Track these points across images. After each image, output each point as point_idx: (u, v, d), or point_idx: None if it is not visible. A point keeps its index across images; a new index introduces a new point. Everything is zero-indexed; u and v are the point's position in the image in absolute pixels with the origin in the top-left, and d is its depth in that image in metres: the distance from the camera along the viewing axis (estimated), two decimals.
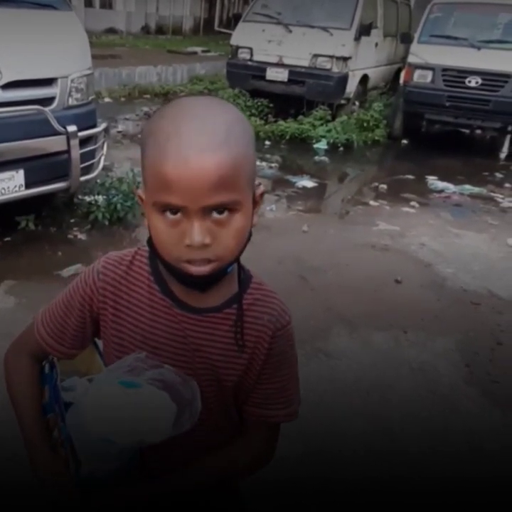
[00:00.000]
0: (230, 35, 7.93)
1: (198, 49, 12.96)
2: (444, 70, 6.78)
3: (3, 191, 3.08)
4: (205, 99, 0.74)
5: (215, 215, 0.70)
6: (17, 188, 3.14)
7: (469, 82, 6.65)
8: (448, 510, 1.85)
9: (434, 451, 2.08)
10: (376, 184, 5.53)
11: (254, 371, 0.84)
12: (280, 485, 1.85)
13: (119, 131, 6.62)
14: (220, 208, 0.70)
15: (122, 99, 8.57)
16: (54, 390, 0.87)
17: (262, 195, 0.78)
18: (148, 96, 8.85)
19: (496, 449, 2.12)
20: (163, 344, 0.81)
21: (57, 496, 0.81)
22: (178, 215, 0.70)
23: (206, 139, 0.67)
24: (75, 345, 0.87)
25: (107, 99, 8.21)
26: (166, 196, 0.69)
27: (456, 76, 6.73)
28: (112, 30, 15.08)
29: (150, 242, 0.78)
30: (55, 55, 3.23)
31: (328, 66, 7.05)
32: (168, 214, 0.71)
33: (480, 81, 6.61)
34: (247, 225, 0.75)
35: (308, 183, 5.33)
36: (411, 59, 7.07)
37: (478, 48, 6.72)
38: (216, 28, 11.41)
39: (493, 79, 6.58)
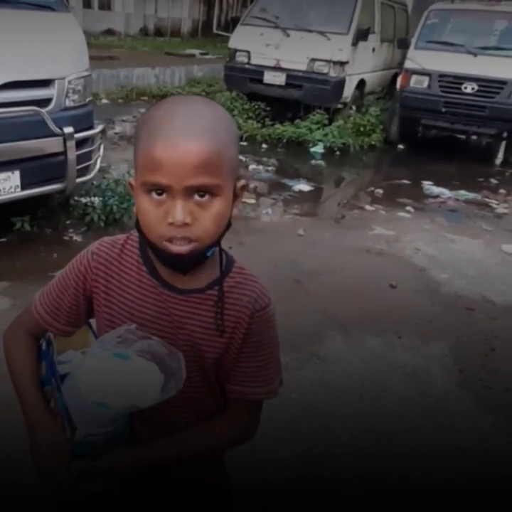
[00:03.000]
0: (229, 37, 7.95)
1: (196, 51, 12.97)
2: (441, 75, 6.82)
3: None
4: (196, 98, 0.83)
5: (196, 197, 0.77)
6: (13, 189, 3.14)
7: (465, 88, 6.69)
8: (439, 510, 1.86)
9: (426, 455, 2.09)
10: (372, 189, 5.55)
11: (234, 350, 0.89)
12: (273, 485, 1.86)
13: (116, 133, 6.63)
14: (202, 191, 0.77)
15: (120, 100, 8.57)
16: (50, 365, 0.92)
17: (242, 188, 0.84)
18: (145, 98, 8.85)
19: (486, 453, 2.13)
20: (149, 321, 0.87)
21: (55, 466, 0.83)
22: (164, 195, 0.77)
23: (193, 127, 0.75)
24: (70, 322, 0.93)
25: (104, 101, 8.21)
26: (154, 176, 0.75)
27: (452, 82, 6.77)
28: (110, 32, 15.08)
29: (137, 225, 0.84)
30: (53, 57, 3.23)
31: (326, 70, 7.08)
32: (153, 194, 0.77)
33: (476, 87, 6.65)
34: (226, 212, 0.81)
35: (304, 186, 5.35)
36: (408, 64, 7.11)
37: (475, 55, 6.77)
38: (214, 30, 11.38)
39: (489, 85, 6.62)
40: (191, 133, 0.74)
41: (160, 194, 0.76)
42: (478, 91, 6.65)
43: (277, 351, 0.93)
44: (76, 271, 0.91)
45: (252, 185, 5.25)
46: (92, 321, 0.98)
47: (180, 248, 0.78)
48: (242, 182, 0.85)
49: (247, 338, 0.88)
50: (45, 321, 0.93)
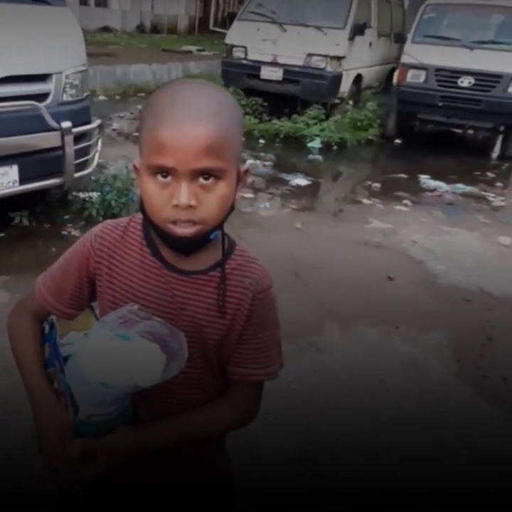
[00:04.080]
0: (225, 34, 7.95)
1: (193, 48, 12.96)
2: (437, 70, 6.82)
3: None
4: (201, 81, 0.83)
5: (201, 180, 0.77)
6: (11, 184, 3.15)
7: (462, 82, 6.70)
8: (437, 498, 1.88)
9: (423, 444, 2.11)
10: (369, 183, 5.56)
11: (235, 331, 0.89)
12: (272, 474, 1.88)
13: (113, 129, 6.62)
14: (207, 174, 0.77)
15: (117, 97, 8.57)
16: (53, 346, 0.92)
17: (245, 172, 0.85)
18: (143, 94, 8.84)
19: (484, 441, 2.16)
20: (152, 302, 0.87)
21: (58, 445, 0.84)
22: (169, 178, 0.77)
23: (199, 110, 0.76)
24: (73, 304, 0.94)
25: (101, 98, 8.20)
26: (159, 158, 0.76)
27: (448, 76, 6.78)
28: (106, 29, 15.03)
29: (141, 207, 0.85)
30: (50, 51, 3.23)
31: (323, 65, 7.08)
32: (159, 177, 0.78)
33: (472, 81, 6.66)
34: (230, 195, 0.82)
35: (302, 181, 5.36)
36: (404, 59, 7.11)
37: (471, 49, 6.77)
38: (211, 27, 11.40)
39: (485, 79, 6.63)
40: (197, 116, 0.75)
41: (165, 177, 0.77)
42: (474, 85, 6.66)
43: (278, 333, 0.94)
44: (79, 253, 0.91)
45: (249, 180, 5.26)
46: (94, 304, 0.99)
47: (184, 230, 0.79)
48: (245, 166, 0.86)
49: (249, 320, 0.89)
50: (49, 303, 0.93)
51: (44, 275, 0.96)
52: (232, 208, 0.84)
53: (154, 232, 0.86)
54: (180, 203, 0.76)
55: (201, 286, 0.88)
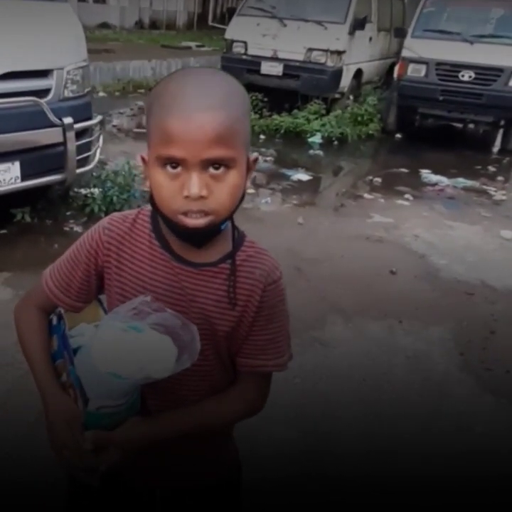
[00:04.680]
0: (224, 30, 7.93)
1: (192, 44, 12.92)
2: (438, 64, 6.81)
3: None
4: (209, 69, 0.82)
5: (211, 170, 0.76)
6: (13, 180, 3.14)
7: (462, 76, 6.69)
8: (441, 498, 1.87)
9: (427, 436, 2.12)
10: (370, 177, 5.56)
11: (246, 323, 0.89)
12: (275, 467, 1.89)
13: (114, 125, 6.61)
14: (217, 163, 0.76)
15: (116, 93, 8.55)
16: (62, 338, 0.92)
17: (255, 161, 0.85)
18: (142, 90, 8.82)
19: (488, 434, 2.16)
20: (161, 294, 0.87)
21: (68, 437, 0.84)
22: (178, 169, 0.76)
23: (208, 100, 0.75)
24: (81, 297, 0.93)
25: (101, 94, 8.18)
26: (169, 149, 0.75)
27: (449, 70, 6.76)
28: (105, 25, 14.98)
29: (151, 199, 0.83)
30: (51, 47, 3.23)
31: (323, 60, 7.07)
32: (168, 168, 0.77)
33: (473, 75, 6.64)
34: (241, 185, 0.81)
35: (303, 176, 5.36)
36: (405, 53, 7.10)
37: (471, 43, 6.75)
38: (210, 22, 11.36)
39: (485, 73, 6.62)
40: (206, 105, 0.74)
41: (175, 167, 0.76)
42: (475, 79, 6.65)
43: (287, 325, 0.94)
44: (87, 246, 0.90)
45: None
46: (102, 297, 0.98)
47: (196, 221, 0.78)
48: (254, 155, 0.85)
49: (260, 311, 0.88)
50: (56, 296, 0.93)
51: (51, 268, 0.95)
52: (242, 198, 0.83)
53: (164, 224, 0.85)
54: (191, 193, 0.75)
55: (211, 278, 0.87)
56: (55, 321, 0.96)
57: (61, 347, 0.92)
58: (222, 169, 0.77)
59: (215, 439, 1.01)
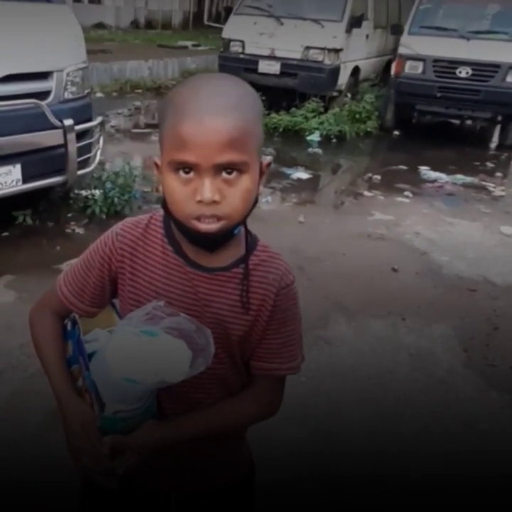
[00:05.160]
0: (220, 29, 7.91)
1: (189, 43, 12.88)
2: (435, 60, 6.81)
3: (0, 186, 3.08)
4: (221, 75, 0.84)
5: (224, 174, 0.77)
6: (14, 183, 3.14)
7: (460, 72, 6.69)
8: (445, 487, 1.89)
9: (432, 433, 2.12)
10: (370, 175, 5.56)
11: (259, 327, 0.90)
12: (282, 466, 1.90)
13: (112, 126, 6.59)
14: (230, 168, 0.76)
15: (114, 94, 8.53)
16: (77, 344, 0.92)
17: (268, 165, 0.85)
18: (139, 90, 8.81)
19: (492, 430, 2.17)
20: (175, 299, 0.87)
21: (85, 442, 0.84)
22: (191, 174, 0.77)
23: (220, 104, 0.75)
24: (95, 303, 0.94)
25: (98, 94, 8.15)
26: (182, 154, 0.75)
27: (446, 67, 6.77)
28: (101, 25, 14.92)
29: (164, 204, 0.84)
30: (50, 49, 3.22)
31: (320, 58, 7.07)
32: (181, 173, 0.77)
33: (470, 71, 6.65)
34: (254, 189, 0.81)
35: (302, 174, 5.36)
36: (402, 50, 7.10)
37: (468, 39, 6.76)
38: (205, 22, 11.31)
39: (483, 69, 6.62)
40: (219, 110, 0.74)
41: (187, 172, 0.76)
42: (472, 75, 6.65)
43: (300, 327, 0.94)
44: (101, 252, 0.91)
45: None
46: (115, 301, 0.99)
47: (209, 226, 0.78)
48: (267, 159, 0.85)
49: (273, 315, 0.89)
50: (71, 302, 0.93)
51: (65, 274, 0.95)
52: (255, 203, 0.83)
53: (177, 228, 0.85)
54: (204, 198, 0.75)
55: (224, 283, 0.87)
56: (69, 326, 0.97)
57: (76, 352, 0.92)
58: (234, 174, 0.77)
59: (229, 442, 1.01)
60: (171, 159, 0.77)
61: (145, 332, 0.81)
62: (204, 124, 0.73)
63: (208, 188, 0.75)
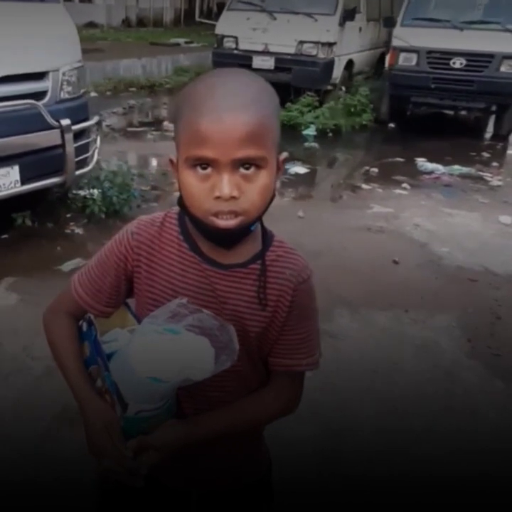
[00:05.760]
0: (212, 25, 7.92)
1: (181, 40, 12.85)
2: (429, 52, 6.80)
3: None
4: (236, 70, 0.83)
5: (242, 170, 0.76)
6: (13, 185, 3.13)
7: (454, 63, 6.69)
8: (453, 477, 1.89)
9: (438, 424, 2.13)
10: (367, 168, 5.56)
11: (277, 323, 0.89)
12: (292, 462, 1.90)
13: (107, 125, 6.56)
14: (248, 163, 0.76)
15: (108, 93, 8.49)
16: (94, 344, 0.91)
17: (284, 161, 0.85)
18: (134, 89, 8.77)
19: (499, 419, 2.18)
20: (193, 297, 0.86)
21: (109, 444, 0.84)
22: (209, 169, 0.76)
23: (237, 99, 0.75)
24: (111, 302, 0.93)
25: (92, 94, 8.12)
26: (199, 150, 0.75)
27: (440, 58, 6.76)
28: (92, 24, 14.86)
29: (180, 201, 0.83)
30: (45, 48, 3.20)
31: (314, 52, 7.05)
32: (198, 169, 0.76)
33: (464, 62, 6.64)
34: (271, 184, 0.80)
35: (300, 169, 5.35)
36: (395, 42, 7.08)
37: (461, 29, 6.74)
38: (197, 18, 11.31)
39: (476, 59, 6.61)
40: (236, 105, 0.74)
41: (205, 168, 0.76)
42: (466, 66, 6.64)
43: (317, 322, 0.94)
44: (116, 251, 0.90)
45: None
46: (129, 301, 0.98)
47: (227, 222, 0.78)
48: (284, 154, 0.84)
49: (291, 311, 0.88)
50: (87, 303, 0.92)
51: (79, 274, 0.95)
52: (272, 198, 0.82)
53: (195, 226, 0.85)
54: (223, 194, 0.75)
55: (241, 279, 0.87)
56: (85, 327, 0.96)
57: (94, 353, 0.91)
58: (252, 169, 0.76)
59: (248, 439, 1.01)
60: (188, 155, 0.76)
61: (168, 330, 0.80)
62: (222, 120, 0.73)
63: (226, 183, 0.75)
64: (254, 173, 0.77)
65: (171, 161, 0.83)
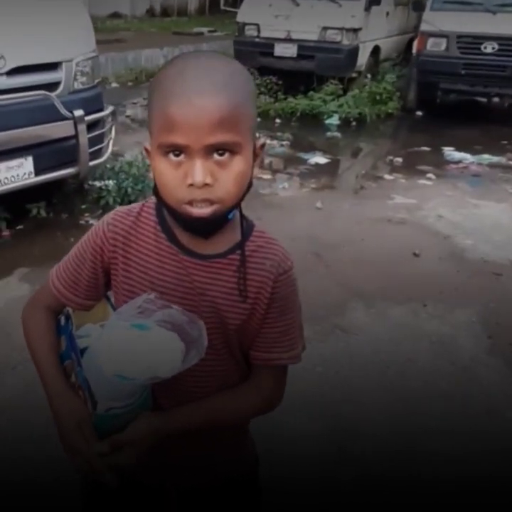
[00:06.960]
0: (237, 13, 7.78)
1: (205, 29, 12.76)
2: (459, 36, 6.56)
3: (13, 179, 3.07)
4: (208, 53, 0.79)
5: (216, 156, 0.74)
6: (27, 176, 3.14)
7: (485, 48, 6.44)
8: (466, 477, 1.81)
9: (453, 424, 2.04)
10: (391, 157, 5.41)
11: (258, 315, 0.87)
12: (301, 461, 1.84)
13: (127, 116, 6.59)
14: (221, 149, 0.73)
15: (129, 83, 8.51)
16: (70, 339, 0.90)
17: (262, 147, 0.82)
18: None
19: None
20: (170, 289, 0.85)
21: (80, 440, 0.81)
22: (181, 156, 0.74)
23: (208, 83, 0.72)
24: (89, 295, 0.92)
25: (114, 84, 8.16)
26: (171, 136, 0.73)
27: (471, 43, 6.52)
28: (116, 15, 14.89)
29: (155, 190, 0.81)
30: (59, 39, 3.19)
31: (338, 39, 6.88)
32: (171, 156, 0.74)
33: (496, 46, 6.40)
34: (247, 171, 0.78)
35: (320, 159, 5.25)
36: (424, 27, 6.86)
37: (494, 13, 6.48)
38: (222, 7, 11.13)
39: (510, 44, 6.35)
40: (207, 89, 0.71)
41: (177, 155, 0.74)
42: (498, 50, 6.40)
43: (299, 315, 0.91)
44: (92, 243, 0.88)
45: (267, 161, 5.16)
46: (110, 294, 0.96)
47: (201, 211, 0.76)
48: (261, 140, 0.82)
49: (271, 303, 0.86)
50: (64, 296, 0.91)
51: (57, 268, 0.93)
52: (249, 186, 0.80)
53: (169, 215, 0.83)
54: (196, 181, 0.72)
55: (220, 270, 0.85)
56: (62, 321, 0.95)
57: (69, 348, 0.90)
58: (226, 155, 0.74)
59: (230, 434, 0.98)
60: (160, 142, 0.74)
61: (136, 326, 0.78)
62: (192, 104, 0.70)
63: (198, 170, 0.72)
64: (228, 159, 0.74)
65: (145, 149, 0.81)
